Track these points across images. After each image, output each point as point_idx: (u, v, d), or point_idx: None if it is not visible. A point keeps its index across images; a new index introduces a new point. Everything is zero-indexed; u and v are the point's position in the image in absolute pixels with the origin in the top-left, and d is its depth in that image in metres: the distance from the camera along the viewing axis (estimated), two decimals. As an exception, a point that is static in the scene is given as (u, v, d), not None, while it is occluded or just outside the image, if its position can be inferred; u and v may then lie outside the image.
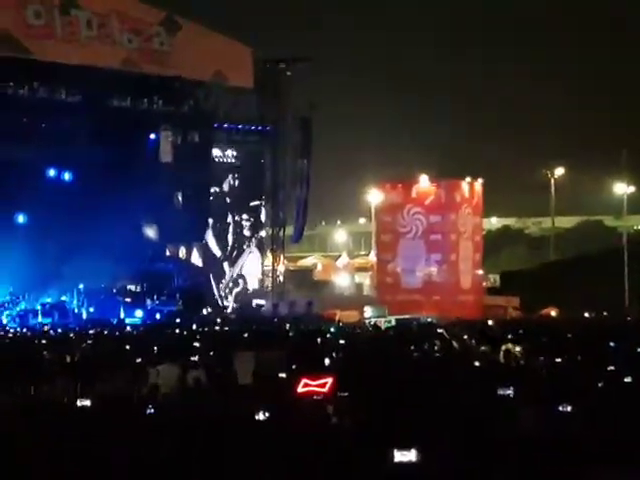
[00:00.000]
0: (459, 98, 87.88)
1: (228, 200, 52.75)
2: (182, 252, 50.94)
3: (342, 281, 61.36)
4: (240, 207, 53.13)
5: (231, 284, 52.23)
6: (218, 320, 40.47)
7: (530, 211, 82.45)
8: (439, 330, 27.66)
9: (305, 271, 63.08)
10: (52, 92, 45.90)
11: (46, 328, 37.54)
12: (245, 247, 53.19)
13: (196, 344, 23.31)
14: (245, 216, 53.27)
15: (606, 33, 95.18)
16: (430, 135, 78.43)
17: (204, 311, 46.65)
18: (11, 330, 37.00)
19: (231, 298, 51.66)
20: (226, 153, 52.48)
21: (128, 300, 45.65)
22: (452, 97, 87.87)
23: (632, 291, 49.72)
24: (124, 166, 44.75)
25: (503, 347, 20.30)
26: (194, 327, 33.52)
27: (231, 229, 52.82)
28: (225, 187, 52.65)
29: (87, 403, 12.56)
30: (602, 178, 73.91)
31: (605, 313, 41.32)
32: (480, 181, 48.53)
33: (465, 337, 24.97)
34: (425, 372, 16.82)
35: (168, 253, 50.44)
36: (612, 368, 16.16)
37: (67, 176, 46.39)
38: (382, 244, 49.68)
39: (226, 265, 52.39)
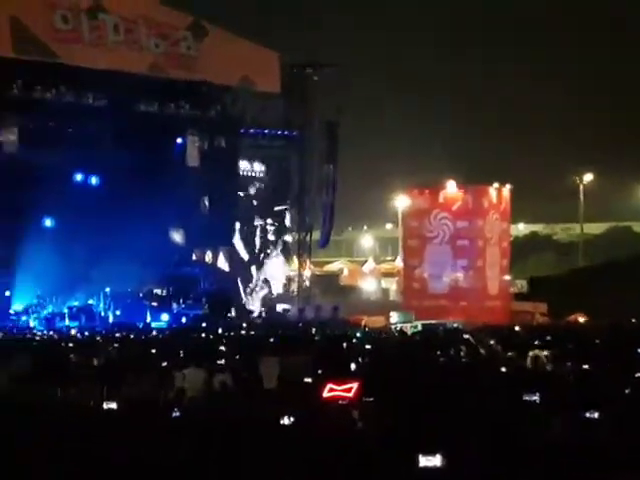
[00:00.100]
0: (476, 100, 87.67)
1: (255, 203, 52.82)
2: (208, 256, 50.99)
3: (368, 286, 61.33)
4: (265, 211, 53.21)
5: (257, 288, 52.26)
6: (244, 324, 40.49)
7: (559, 217, 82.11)
8: (465, 336, 27.52)
9: (331, 276, 63.01)
10: (79, 96, 46.10)
11: (73, 331, 37.73)
12: (270, 251, 53.24)
13: (222, 348, 23.32)
14: (270, 220, 53.36)
15: (606, 33, 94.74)
16: (457, 140, 78.13)
17: (230, 315, 46.69)
18: (38, 333, 37.16)
19: (257, 302, 51.67)
20: (254, 166, 52.47)
21: (154, 304, 45.75)
22: (467, 98, 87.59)
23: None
24: (151, 170, 44.89)
25: (531, 353, 20.19)
26: (220, 331, 33.53)
27: (258, 233, 52.88)
28: (252, 191, 52.71)
29: (113, 406, 12.59)
30: (631, 184, 73.69)
31: (634, 320, 41.02)
32: (508, 187, 48.26)
33: (492, 343, 24.87)
34: (451, 377, 16.73)
35: (194, 257, 50.50)
36: (640, 375, 16.05)
37: (94, 180, 46.56)
38: (409, 249, 49.55)
39: (253, 269, 52.44)
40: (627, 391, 13.98)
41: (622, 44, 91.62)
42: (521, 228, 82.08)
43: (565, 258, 70.85)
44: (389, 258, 72.43)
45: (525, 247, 71.85)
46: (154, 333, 34.71)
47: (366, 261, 68.89)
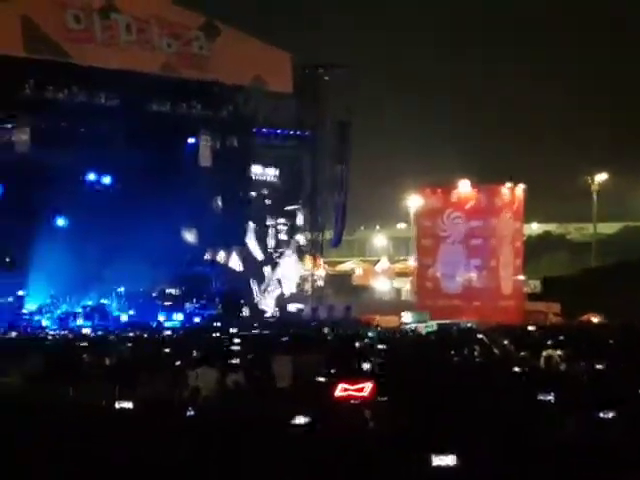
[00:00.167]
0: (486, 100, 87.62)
1: (267, 203, 52.83)
2: (221, 256, 50.99)
3: (381, 286, 61.34)
4: (278, 211, 53.21)
5: (270, 288, 52.26)
6: (257, 324, 40.50)
7: (572, 217, 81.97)
8: (479, 335, 27.51)
9: (344, 276, 63.06)
10: (91, 96, 46.10)
11: (87, 331, 37.78)
12: (283, 251, 53.25)
13: (235, 347, 23.32)
14: (282, 220, 53.35)
15: (606, 33, 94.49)
16: (468, 140, 78.06)
17: (243, 315, 46.71)
18: (52, 332, 37.22)
19: (270, 302, 51.65)
20: (266, 170, 52.43)
21: (167, 304, 45.84)
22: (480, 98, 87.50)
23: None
24: (163, 170, 44.90)
25: (544, 353, 20.18)
26: (233, 330, 33.54)
27: (270, 232, 52.89)
28: (264, 191, 52.71)
29: (126, 405, 12.59)
30: (645, 184, 73.45)
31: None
32: (521, 186, 48.16)
33: (505, 342, 24.85)
34: (465, 377, 16.72)
35: (207, 257, 50.52)
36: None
37: (106, 180, 46.61)
38: (422, 249, 49.52)
39: (266, 269, 52.46)
40: (640, 391, 13.97)
41: (622, 44, 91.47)
42: (534, 228, 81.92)
43: (578, 258, 70.64)
44: (401, 258, 72.46)
45: (538, 247, 71.70)
46: (168, 333, 34.72)
47: (378, 261, 68.89)
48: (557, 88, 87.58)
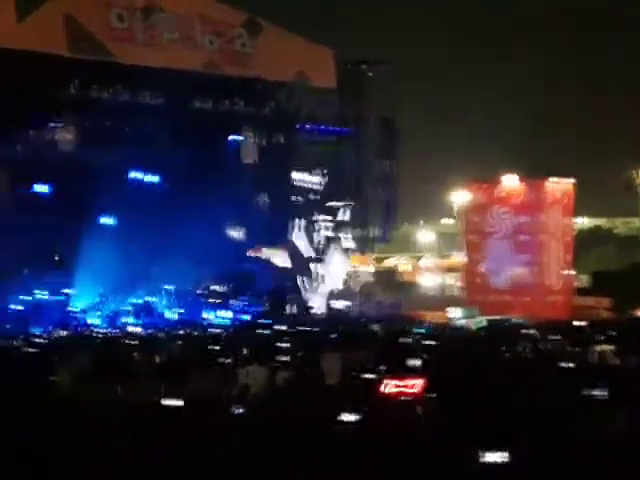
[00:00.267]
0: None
1: (312, 199, 52.72)
2: (267, 253, 51.00)
3: (427, 281, 61.12)
4: (322, 207, 53.13)
5: (318, 284, 52.22)
6: (305, 320, 40.46)
7: (619, 211, 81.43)
8: (530, 331, 27.31)
9: (390, 272, 62.84)
10: (135, 95, 46.32)
11: (136, 329, 37.89)
12: (330, 247, 53.18)
13: (284, 344, 23.24)
14: (329, 217, 53.26)
15: (606, 33, 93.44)
16: (514, 136, 77.59)
17: (290, 312, 46.70)
18: (101, 331, 37.40)
19: (318, 299, 51.60)
20: (309, 166, 52.31)
21: (215, 301, 45.87)
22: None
23: None
24: (207, 168, 44.99)
25: (597, 348, 19.98)
26: (282, 328, 33.48)
27: (317, 229, 52.83)
28: (309, 186, 52.60)
29: (174, 403, 12.55)
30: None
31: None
32: (571, 181, 47.72)
33: (556, 338, 24.63)
34: (515, 373, 16.58)
35: (253, 254, 50.54)
36: None
37: (151, 178, 46.76)
38: (471, 244, 49.23)
39: (313, 265, 52.41)
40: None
41: (622, 44, 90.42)
42: (584, 222, 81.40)
43: (626, 252, 70.11)
44: (446, 253, 72.17)
45: (588, 241, 71.21)
46: (217, 330, 34.73)
47: (424, 256, 68.67)
48: (603, 86, 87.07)
